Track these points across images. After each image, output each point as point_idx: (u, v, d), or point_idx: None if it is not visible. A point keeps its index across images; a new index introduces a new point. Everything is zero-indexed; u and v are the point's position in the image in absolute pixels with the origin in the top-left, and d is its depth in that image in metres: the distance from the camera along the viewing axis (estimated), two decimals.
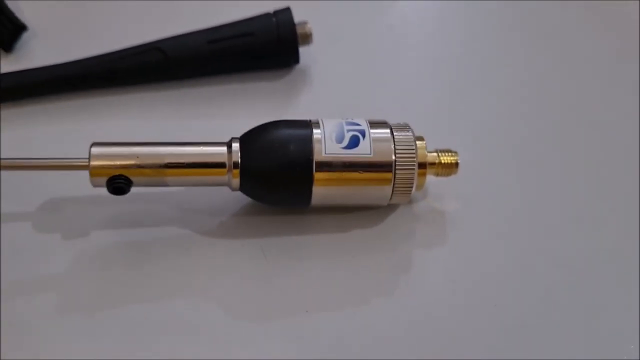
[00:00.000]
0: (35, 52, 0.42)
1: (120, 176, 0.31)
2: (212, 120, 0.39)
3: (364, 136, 0.32)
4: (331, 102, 0.40)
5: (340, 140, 0.31)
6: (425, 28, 0.46)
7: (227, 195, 0.33)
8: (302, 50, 0.40)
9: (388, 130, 0.32)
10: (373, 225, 0.34)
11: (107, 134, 0.37)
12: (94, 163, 0.31)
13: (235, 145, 0.31)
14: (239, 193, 0.32)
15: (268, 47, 0.40)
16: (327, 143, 0.31)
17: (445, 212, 0.35)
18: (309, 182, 0.31)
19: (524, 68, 0.43)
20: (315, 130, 0.32)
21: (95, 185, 0.31)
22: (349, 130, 0.32)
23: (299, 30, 0.40)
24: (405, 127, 0.33)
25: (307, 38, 0.40)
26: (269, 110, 0.39)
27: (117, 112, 0.39)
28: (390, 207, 0.35)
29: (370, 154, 0.31)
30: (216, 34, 0.40)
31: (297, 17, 0.40)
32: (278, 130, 0.32)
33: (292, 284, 0.32)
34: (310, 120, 0.32)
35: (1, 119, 0.38)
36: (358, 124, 0.32)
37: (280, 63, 0.41)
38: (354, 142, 0.31)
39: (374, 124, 0.32)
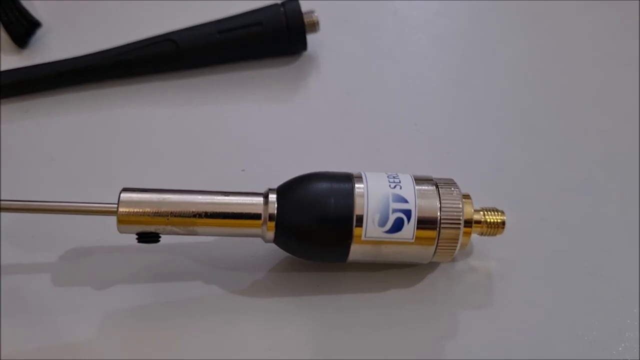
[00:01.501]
0: (50, 48, 0.43)
1: (150, 234, 0.30)
2: (224, 107, 0.40)
3: (409, 219, 0.29)
4: (339, 87, 0.41)
5: (383, 223, 0.29)
6: (429, 11, 0.46)
7: (259, 246, 0.32)
8: (309, 38, 0.41)
9: (433, 187, 0.30)
10: (411, 284, 0.32)
11: (122, 122, 0.40)
12: (122, 209, 0.29)
13: (272, 197, 0.30)
14: (271, 245, 0.31)
15: (277, 36, 0.41)
16: (368, 225, 0.29)
17: (490, 273, 0.33)
18: (348, 238, 0.29)
19: (528, 65, 0.43)
20: (357, 185, 0.30)
21: (122, 232, 0.30)
22: (394, 211, 0.29)
23: (306, 19, 0.41)
24: (451, 183, 0.31)
25: (314, 26, 0.41)
26: (279, 96, 0.41)
27: (132, 102, 0.40)
28: (430, 265, 0.33)
29: (412, 239, 0.29)
30: (226, 25, 0.41)
31: (303, 6, 0.41)
32: (318, 183, 0.30)
33: (326, 347, 0.30)
34: (351, 174, 0.31)
35: (20, 111, 0.39)
36: (405, 200, 0.30)
37: (288, 51, 0.43)
38: (397, 226, 0.29)
39: (420, 180, 0.31)
